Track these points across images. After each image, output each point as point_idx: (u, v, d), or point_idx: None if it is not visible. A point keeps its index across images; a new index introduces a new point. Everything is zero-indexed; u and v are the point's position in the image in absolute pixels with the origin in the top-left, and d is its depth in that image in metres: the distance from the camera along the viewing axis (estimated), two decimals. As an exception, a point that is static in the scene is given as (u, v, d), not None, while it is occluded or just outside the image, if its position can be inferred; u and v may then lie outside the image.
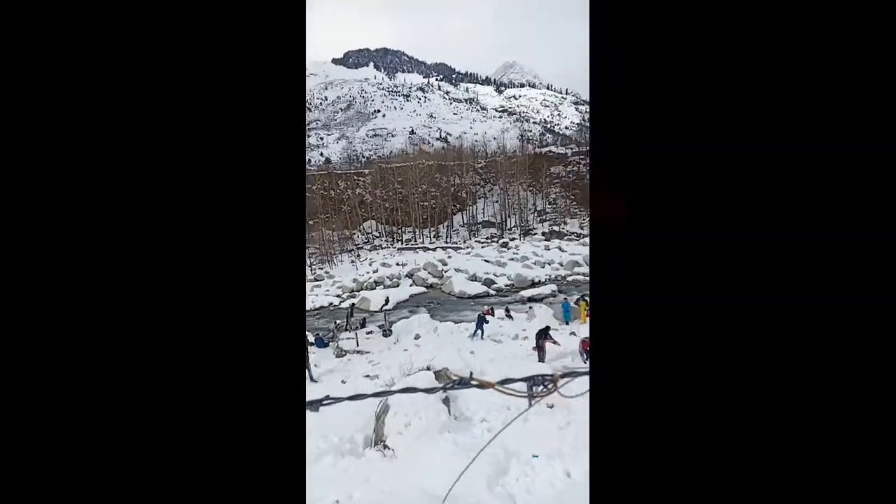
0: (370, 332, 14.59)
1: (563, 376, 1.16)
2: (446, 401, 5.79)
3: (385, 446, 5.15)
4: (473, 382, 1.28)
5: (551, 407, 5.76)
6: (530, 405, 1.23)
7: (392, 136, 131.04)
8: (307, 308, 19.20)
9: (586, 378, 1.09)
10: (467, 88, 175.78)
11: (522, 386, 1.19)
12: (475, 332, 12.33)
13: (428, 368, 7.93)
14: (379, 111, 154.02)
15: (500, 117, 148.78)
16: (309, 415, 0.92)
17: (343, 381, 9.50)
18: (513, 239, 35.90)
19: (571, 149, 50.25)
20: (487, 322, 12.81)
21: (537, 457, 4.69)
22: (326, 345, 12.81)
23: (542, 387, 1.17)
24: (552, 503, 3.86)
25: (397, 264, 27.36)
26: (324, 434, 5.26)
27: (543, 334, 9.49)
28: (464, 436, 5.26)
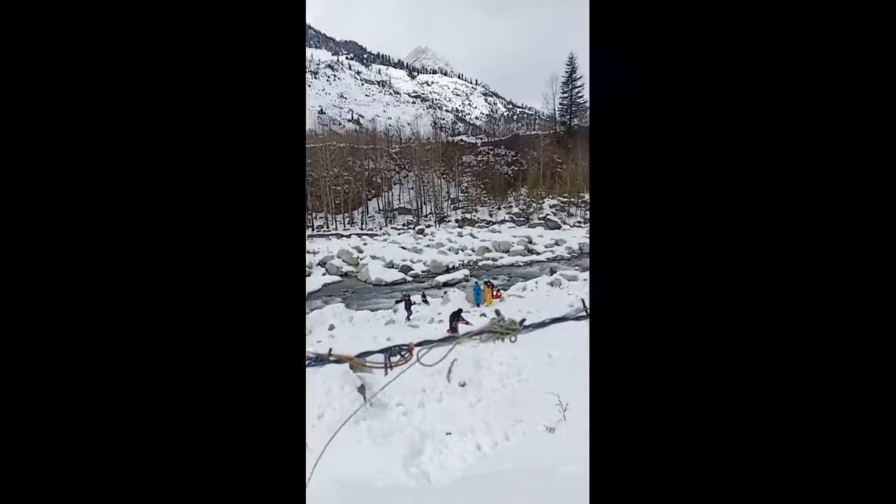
0: (279, 326, 13.75)
1: (418, 345, 1.25)
2: (361, 388, 5.76)
3: (297, 442, 4.97)
4: (332, 358, 1.31)
5: (463, 385, 6.08)
6: (386, 374, 1.30)
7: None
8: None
9: (443, 346, 1.19)
10: (379, 70, 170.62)
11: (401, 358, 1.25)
12: (407, 315, 12.47)
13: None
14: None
15: (414, 103, 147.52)
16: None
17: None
18: (428, 226, 36.33)
19: (482, 139, 52.07)
20: (415, 303, 12.99)
21: (450, 434, 4.93)
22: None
23: (398, 356, 1.24)
24: (463, 475, 4.11)
25: (309, 252, 26.02)
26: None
27: (456, 316, 9.93)
28: (379, 421, 5.31)
